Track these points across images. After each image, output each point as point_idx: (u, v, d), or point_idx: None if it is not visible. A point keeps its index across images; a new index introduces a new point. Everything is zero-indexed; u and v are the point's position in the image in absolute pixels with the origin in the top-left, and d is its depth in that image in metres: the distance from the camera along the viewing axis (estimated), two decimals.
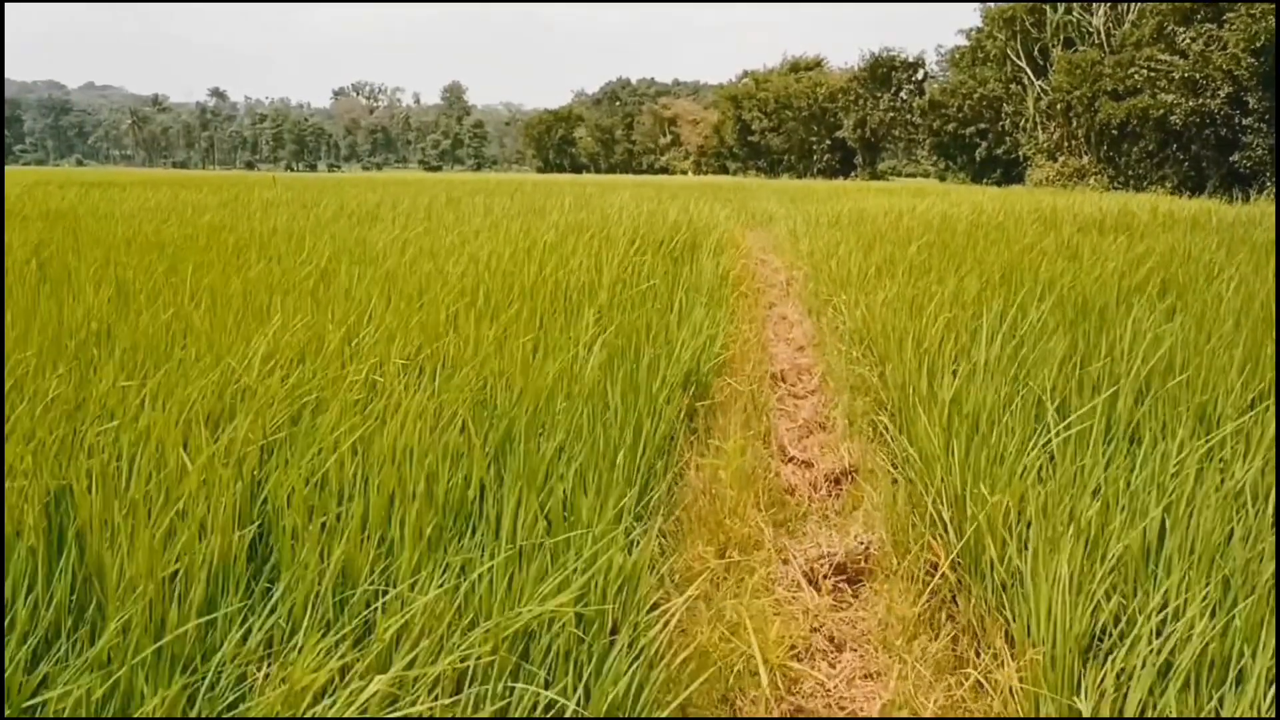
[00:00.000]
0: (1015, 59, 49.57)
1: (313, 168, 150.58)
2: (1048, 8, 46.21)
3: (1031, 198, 24.10)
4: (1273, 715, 2.44)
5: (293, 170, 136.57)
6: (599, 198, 19.99)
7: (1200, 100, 32.16)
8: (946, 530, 3.74)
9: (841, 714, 2.69)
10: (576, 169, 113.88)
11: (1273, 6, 28.95)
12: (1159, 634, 2.78)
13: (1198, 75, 32.00)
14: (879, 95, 72.55)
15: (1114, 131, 38.36)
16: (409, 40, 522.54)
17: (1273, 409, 3.86)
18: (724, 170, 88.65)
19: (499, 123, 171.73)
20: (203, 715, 2.19)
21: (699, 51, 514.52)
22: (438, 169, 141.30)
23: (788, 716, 2.77)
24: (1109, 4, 42.07)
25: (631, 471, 3.43)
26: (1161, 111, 33.81)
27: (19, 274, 6.86)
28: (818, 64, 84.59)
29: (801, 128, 77.92)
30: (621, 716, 2.34)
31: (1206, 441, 3.53)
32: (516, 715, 2.25)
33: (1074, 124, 42.67)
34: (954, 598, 3.47)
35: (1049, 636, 2.90)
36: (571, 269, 7.25)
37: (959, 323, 6.14)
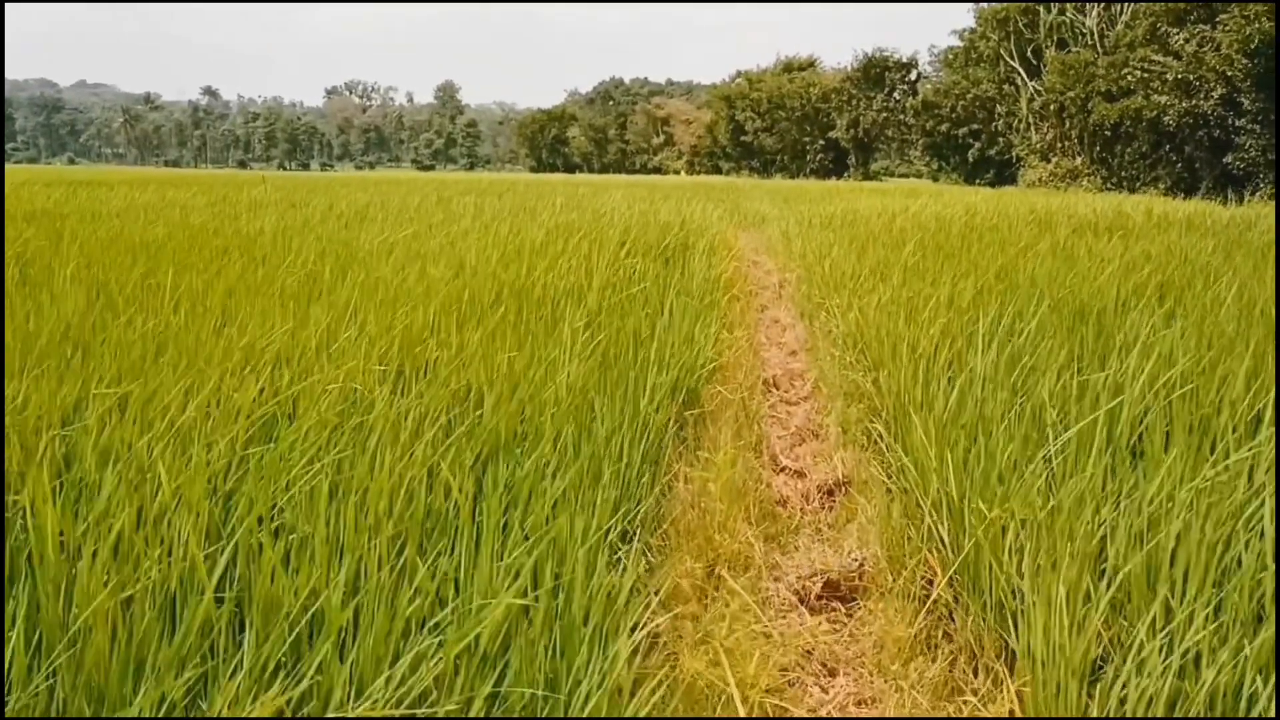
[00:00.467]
0: (1008, 59, 49.54)
1: (305, 167, 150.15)
2: (1041, 8, 46.21)
3: (1025, 199, 24.03)
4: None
5: (285, 169, 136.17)
6: (591, 198, 19.86)
7: (1194, 101, 32.14)
8: (943, 544, 3.62)
9: None
10: (570, 169, 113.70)
11: (1266, 8, 28.93)
12: (1165, 655, 2.68)
13: (1191, 76, 31.98)
14: (872, 96, 72.47)
15: (1107, 133, 38.36)
16: (402, 40, 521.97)
17: None
18: (717, 170, 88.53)
19: (492, 122, 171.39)
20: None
21: (693, 52, 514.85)
22: (431, 168, 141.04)
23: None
24: (1102, 5, 42.07)
25: (618, 486, 3.30)
26: (1155, 113, 33.80)
27: None
28: (811, 64, 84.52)
29: (794, 128, 77.84)
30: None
31: (1212, 458, 3.42)
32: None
33: (1067, 125, 42.66)
34: (950, 614, 3.36)
35: (1050, 658, 2.79)
36: (560, 272, 7.12)
37: (954, 328, 6.03)
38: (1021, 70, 48.50)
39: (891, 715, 2.75)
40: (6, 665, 2.11)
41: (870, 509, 3.88)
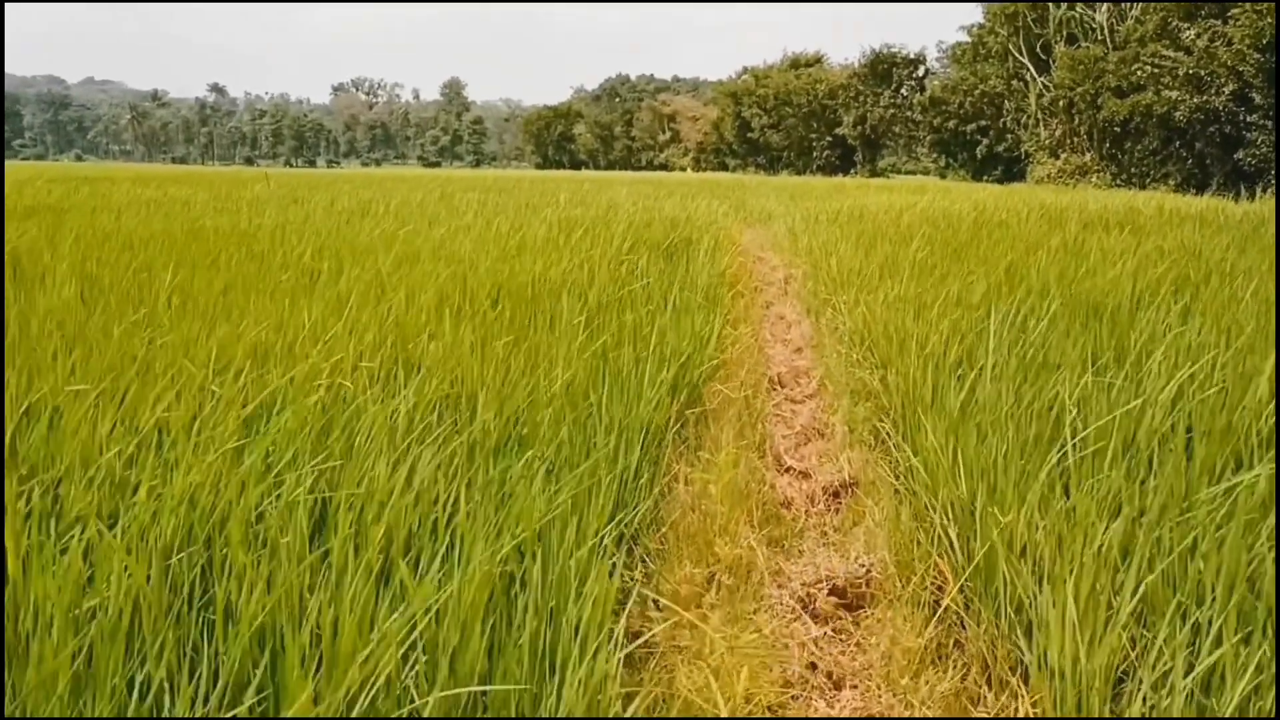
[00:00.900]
0: (1017, 55, 49.22)
1: (312, 164, 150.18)
2: (1050, 4, 45.87)
3: (1034, 195, 23.83)
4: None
5: (292, 166, 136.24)
6: (595, 194, 19.72)
7: (1205, 97, 31.83)
8: (953, 548, 3.48)
9: None
10: (575, 165, 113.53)
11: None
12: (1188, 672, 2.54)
13: (1202, 72, 31.68)
14: (879, 92, 72.11)
15: (1117, 129, 38.06)
16: (409, 37, 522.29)
17: None
18: (723, 167, 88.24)
19: (498, 119, 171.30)
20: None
21: (699, 49, 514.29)
22: (437, 165, 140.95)
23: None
24: (1112, 0, 41.75)
25: (616, 492, 3.16)
26: (1165, 108, 33.49)
27: None
28: (818, 60, 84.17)
29: (801, 125, 77.51)
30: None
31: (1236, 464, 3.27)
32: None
33: (1076, 121, 42.36)
34: (961, 621, 3.21)
35: (1069, 671, 2.64)
36: (561, 268, 6.98)
37: (964, 325, 5.88)
38: (1030, 66, 48.16)
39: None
40: None
41: (878, 512, 3.73)
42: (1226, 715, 2.45)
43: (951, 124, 56.56)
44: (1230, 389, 3.98)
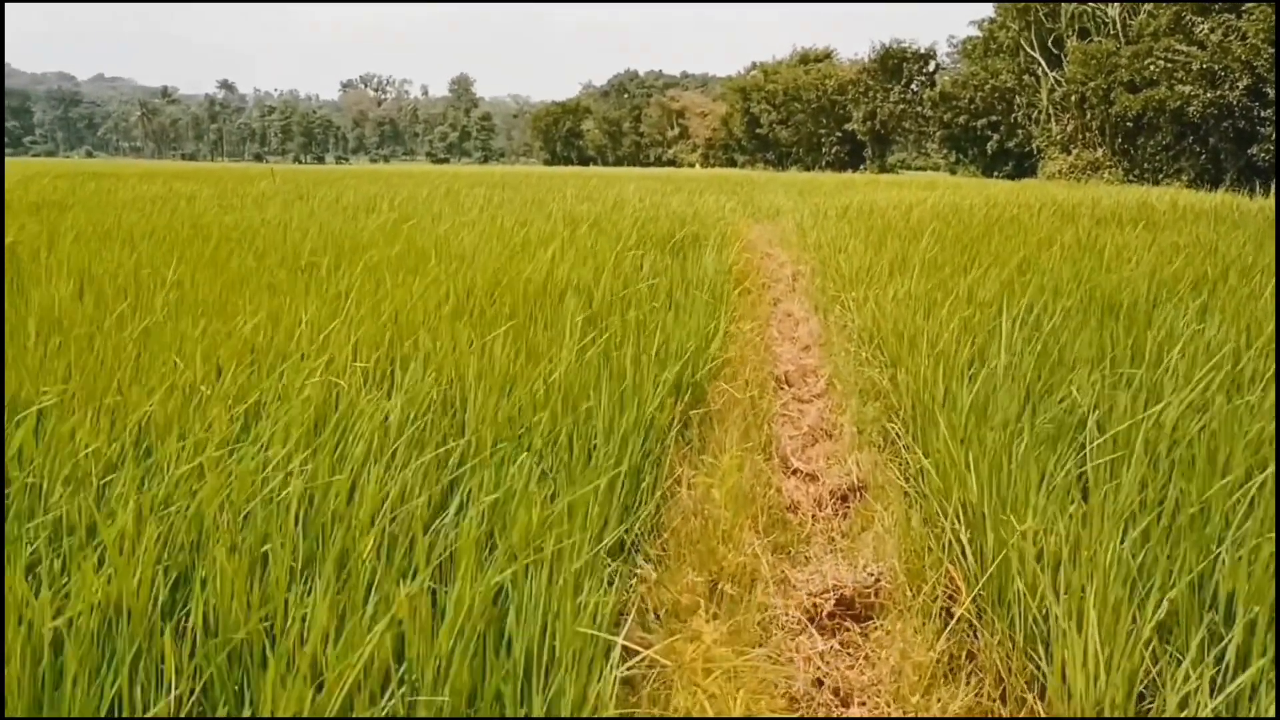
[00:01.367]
0: (1029, 50, 48.88)
1: (320, 160, 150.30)
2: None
3: (1045, 191, 23.62)
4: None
5: (301, 162, 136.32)
6: (602, 191, 19.60)
7: (1219, 92, 31.53)
8: (965, 554, 3.35)
9: None
10: (584, 161, 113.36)
11: None
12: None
13: (1216, 66, 31.38)
14: (889, 87, 71.69)
15: (1129, 124, 37.76)
16: (417, 33, 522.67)
17: None
18: (732, 163, 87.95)
19: (506, 115, 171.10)
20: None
21: (708, 44, 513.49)
22: (445, 161, 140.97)
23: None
24: None
25: (615, 498, 3.04)
26: (1179, 103, 33.19)
27: None
28: (827, 56, 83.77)
29: (810, 120, 77.17)
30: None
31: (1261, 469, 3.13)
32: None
33: (1088, 116, 42.04)
34: (974, 631, 3.09)
35: (1088, 689, 2.52)
36: (565, 264, 6.86)
37: (976, 323, 5.74)
38: (1042, 60, 47.81)
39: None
40: None
41: (887, 517, 3.61)
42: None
43: (962, 119, 56.24)
44: (1261, 393, 3.84)
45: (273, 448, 2.93)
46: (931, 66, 71.64)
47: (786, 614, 2.94)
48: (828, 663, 2.72)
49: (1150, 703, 2.50)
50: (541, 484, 2.95)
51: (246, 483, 2.68)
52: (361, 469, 2.92)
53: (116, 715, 2.01)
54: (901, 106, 71.11)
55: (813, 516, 3.86)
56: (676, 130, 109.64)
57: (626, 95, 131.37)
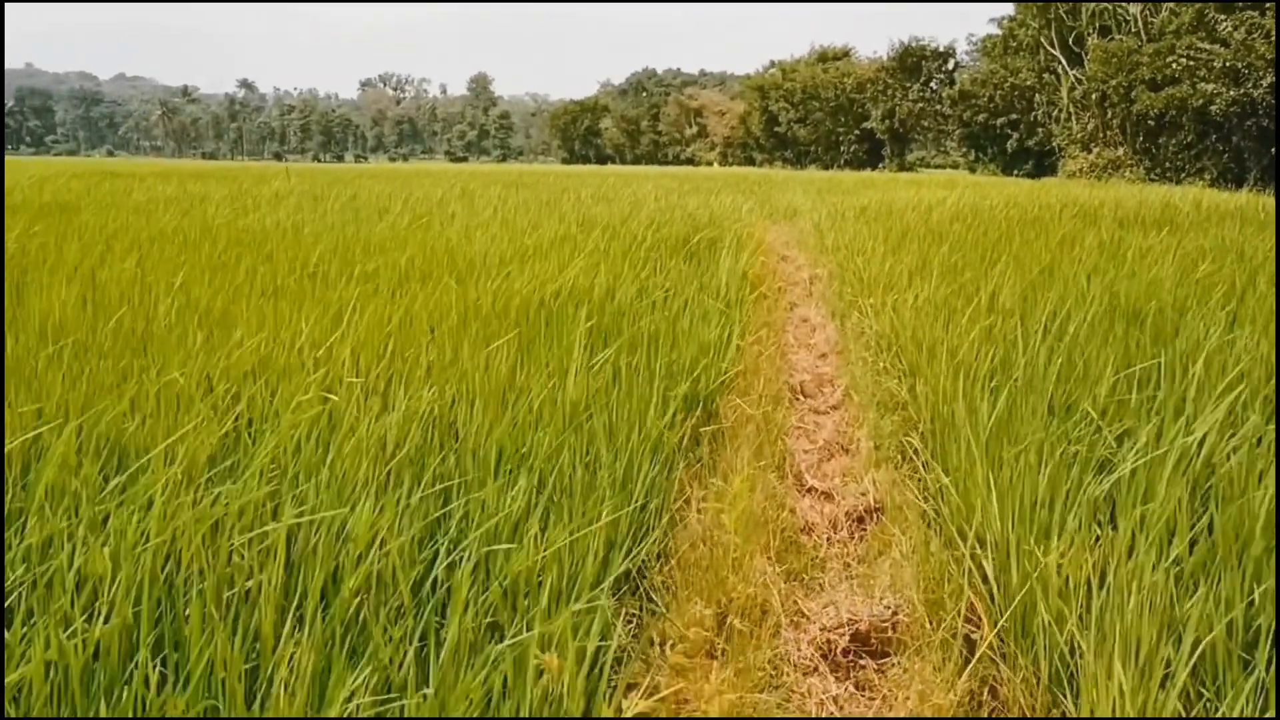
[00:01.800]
0: (1049, 47, 48.41)
1: (340, 159, 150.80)
2: None
3: (1066, 190, 23.33)
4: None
5: (320, 161, 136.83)
6: (618, 190, 19.47)
7: (1242, 90, 31.10)
8: (986, 578, 3.19)
9: None
10: (602, 160, 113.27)
11: None
12: None
13: (1240, 64, 30.95)
14: (908, 85, 71.19)
15: (1151, 122, 37.32)
16: (436, 32, 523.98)
17: None
18: (750, 162, 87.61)
19: (525, 113, 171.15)
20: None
21: (726, 43, 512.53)
22: (463, 160, 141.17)
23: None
24: None
25: (620, 528, 2.90)
26: (1201, 101, 32.77)
27: None
28: (846, 54, 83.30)
29: (828, 119, 76.77)
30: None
31: None
32: None
33: (1109, 114, 41.60)
34: (996, 663, 2.94)
35: None
36: (576, 268, 6.73)
37: (997, 333, 5.57)
38: (1062, 58, 47.34)
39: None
40: None
41: (905, 542, 3.45)
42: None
43: (981, 117, 55.80)
44: None
45: (252, 480, 2.80)
46: (951, 64, 71.10)
47: (799, 650, 2.79)
48: (842, 706, 2.57)
49: None
50: (538, 514, 2.82)
51: (227, 520, 2.56)
52: (360, 493, 2.80)
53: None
54: (920, 105, 70.62)
55: (828, 539, 3.71)
56: (695, 129, 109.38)
57: (645, 94, 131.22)
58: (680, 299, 6.31)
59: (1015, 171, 52.63)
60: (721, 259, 8.31)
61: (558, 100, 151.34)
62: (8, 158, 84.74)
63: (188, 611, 2.14)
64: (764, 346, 6.36)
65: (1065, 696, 2.71)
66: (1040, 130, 51.00)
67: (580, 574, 2.44)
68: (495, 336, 4.53)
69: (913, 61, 71.14)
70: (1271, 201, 18.03)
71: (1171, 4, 37.87)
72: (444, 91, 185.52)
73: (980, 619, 3.10)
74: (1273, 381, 4.16)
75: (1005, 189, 23.78)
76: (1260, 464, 3.23)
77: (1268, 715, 2.25)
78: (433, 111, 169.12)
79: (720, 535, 3.25)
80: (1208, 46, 32.66)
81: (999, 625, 2.89)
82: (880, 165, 72.29)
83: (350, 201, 14.75)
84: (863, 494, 4.07)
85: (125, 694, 1.96)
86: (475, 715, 1.97)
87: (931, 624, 2.98)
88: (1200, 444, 3.56)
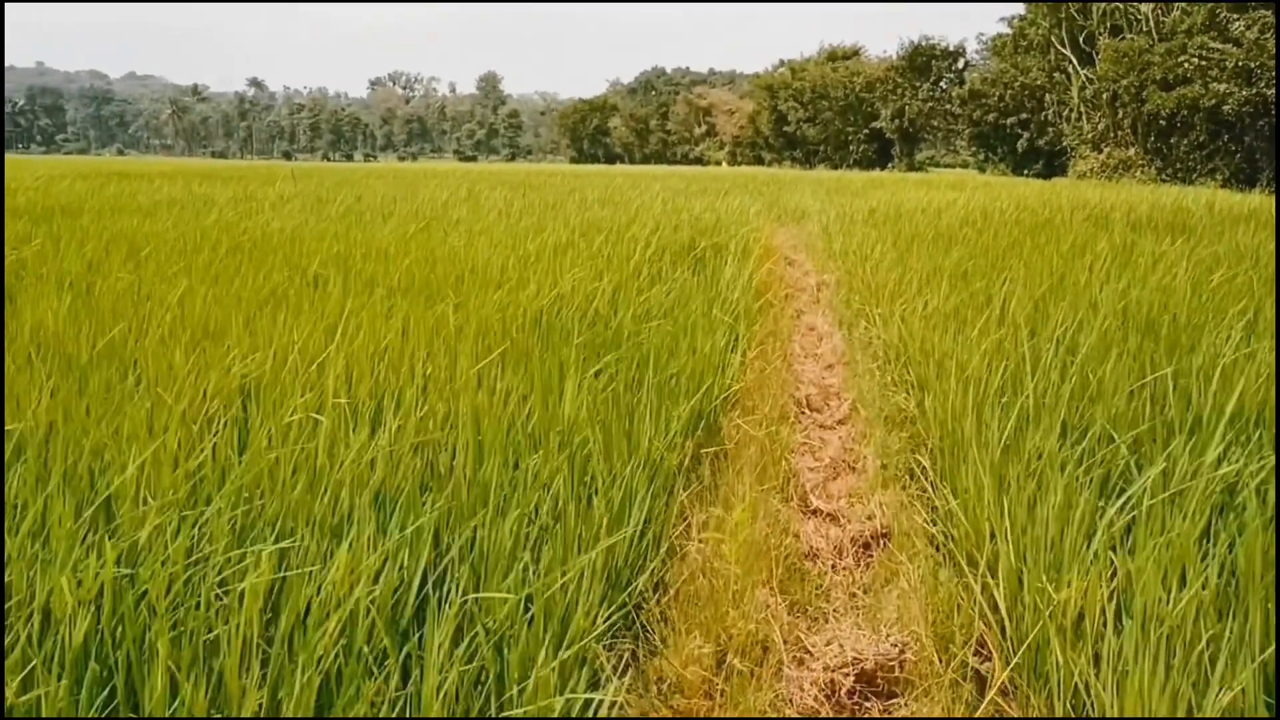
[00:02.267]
0: (1059, 47, 48.11)
1: (349, 157, 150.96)
2: None
3: (1077, 191, 23.11)
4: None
5: (329, 160, 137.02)
6: (625, 191, 19.35)
7: (1255, 89, 30.84)
8: (997, 608, 3.07)
9: None
10: (610, 159, 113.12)
11: None
12: None
13: (1252, 64, 30.69)
14: (918, 85, 70.84)
15: (1162, 122, 37.06)
16: (445, 31, 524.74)
17: None
18: (759, 161, 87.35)
19: (534, 112, 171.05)
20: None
21: (736, 42, 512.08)
22: (472, 159, 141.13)
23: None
24: None
25: (615, 565, 2.79)
26: (1213, 101, 32.52)
27: None
28: (855, 53, 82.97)
29: (838, 118, 76.48)
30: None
31: None
32: None
33: (1120, 114, 41.32)
34: (1007, 698, 2.82)
35: None
36: (577, 278, 6.61)
37: (1009, 345, 5.44)
38: (1073, 58, 47.04)
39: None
40: None
41: (913, 571, 3.33)
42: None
43: (991, 117, 55.52)
44: None
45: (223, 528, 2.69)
46: (960, 64, 70.76)
47: (801, 691, 2.67)
48: None
49: None
50: (529, 545, 2.71)
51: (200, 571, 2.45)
52: (342, 526, 2.69)
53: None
54: (930, 104, 70.31)
55: (833, 566, 3.59)
56: (703, 128, 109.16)
57: (654, 92, 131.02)
58: (684, 311, 6.18)
59: (1025, 171, 52.34)
60: (727, 269, 8.17)
61: (567, 99, 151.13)
62: (18, 156, 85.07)
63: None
64: (769, 359, 6.23)
65: None
66: (1051, 130, 50.71)
67: (572, 618, 2.33)
68: (489, 351, 4.42)
69: (922, 61, 70.81)
70: None
71: (1183, 3, 37.58)
72: (453, 90, 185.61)
73: (991, 652, 2.99)
74: None
75: (1015, 190, 23.59)
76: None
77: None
78: (442, 110, 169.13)
79: (721, 566, 3.13)
80: (1220, 46, 32.40)
81: (1011, 665, 2.77)
82: (889, 165, 72.00)
83: (357, 202, 14.67)
84: (869, 517, 3.95)
85: None
86: None
87: (940, 660, 2.86)
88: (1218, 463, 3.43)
